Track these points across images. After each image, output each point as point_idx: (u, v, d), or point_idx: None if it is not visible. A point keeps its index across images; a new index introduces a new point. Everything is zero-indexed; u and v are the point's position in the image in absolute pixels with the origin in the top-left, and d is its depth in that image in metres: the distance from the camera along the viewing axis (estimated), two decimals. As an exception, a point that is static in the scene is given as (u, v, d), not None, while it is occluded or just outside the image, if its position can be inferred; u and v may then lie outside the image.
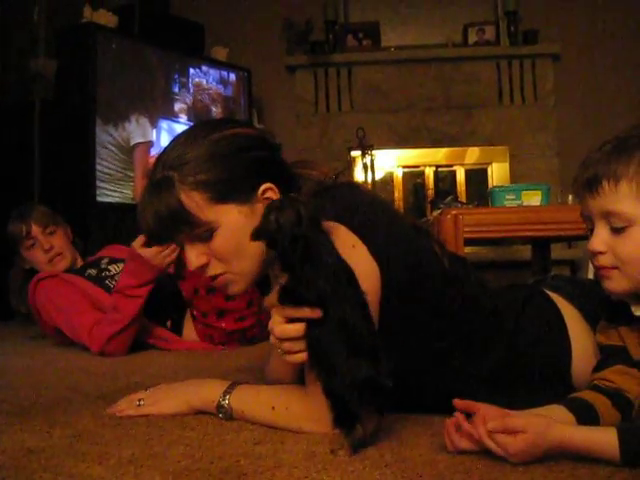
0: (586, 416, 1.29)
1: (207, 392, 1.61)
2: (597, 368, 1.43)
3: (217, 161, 1.47)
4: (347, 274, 1.35)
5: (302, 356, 1.35)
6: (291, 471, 1.21)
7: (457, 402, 1.30)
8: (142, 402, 1.67)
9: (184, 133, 1.55)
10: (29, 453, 1.35)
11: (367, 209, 1.55)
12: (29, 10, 4.72)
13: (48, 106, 4.66)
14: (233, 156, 1.49)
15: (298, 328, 1.33)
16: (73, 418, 1.65)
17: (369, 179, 5.70)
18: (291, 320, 1.34)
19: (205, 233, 1.47)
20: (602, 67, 6.07)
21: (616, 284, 1.35)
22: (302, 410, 1.44)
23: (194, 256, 1.50)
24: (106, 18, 4.84)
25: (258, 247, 1.42)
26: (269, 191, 1.51)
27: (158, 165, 1.49)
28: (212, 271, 1.52)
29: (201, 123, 1.62)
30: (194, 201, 1.45)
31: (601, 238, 1.34)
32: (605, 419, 1.29)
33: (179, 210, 1.44)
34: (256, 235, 1.35)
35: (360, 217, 1.49)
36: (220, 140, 1.50)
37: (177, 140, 1.53)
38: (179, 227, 1.46)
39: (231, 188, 1.47)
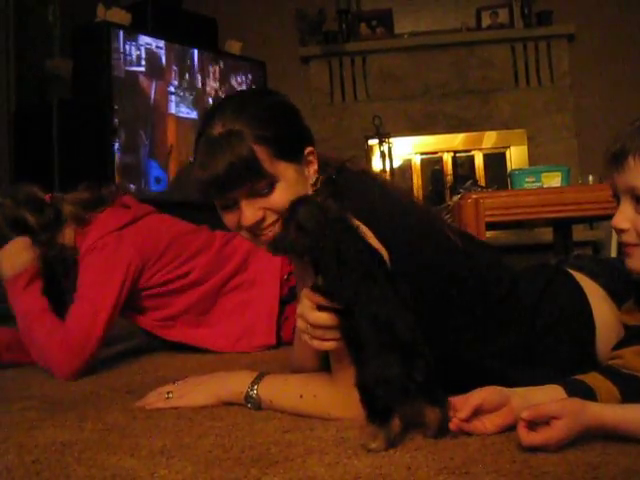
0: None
1: (235, 384, 1.62)
2: (619, 345, 1.42)
3: (277, 120, 1.54)
4: (378, 262, 1.34)
5: (331, 345, 1.36)
6: (322, 457, 1.21)
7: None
8: (171, 395, 1.69)
9: (235, 96, 1.65)
10: (62, 447, 1.37)
11: (374, 195, 1.56)
12: (43, 11, 4.73)
13: (65, 105, 4.68)
14: (287, 118, 1.59)
15: (332, 317, 1.33)
16: (103, 412, 1.67)
17: (387, 167, 5.69)
18: (321, 307, 1.34)
19: (265, 188, 1.50)
20: (618, 46, 6.01)
21: (637, 262, 1.34)
22: (330, 397, 1.44)
23: (251, 211, 1.51)
24: (119, 16, 4.86)
25: None
26: (311, 155, 1.58)
27: (214, 120, 1.52)
28: (269, 220, 1.53)
29: (249, 90, 1.72)
30: (261, 154, 1.48)
31: (625, 215, 1.33)
32: None
33: (252, 160, 1.47)
34: (274, 249, 1.37)
35: (364, 203, 1.49)
36: (275, 103, 1.61)
37: (231, 100, 1.60)
38: (249, 177, 1.48)
39: (288, 146, 1.53)
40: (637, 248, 1.33)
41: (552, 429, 1.17)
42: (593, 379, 1.33)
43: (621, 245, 1.37)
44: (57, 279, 2.48)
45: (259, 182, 1.49)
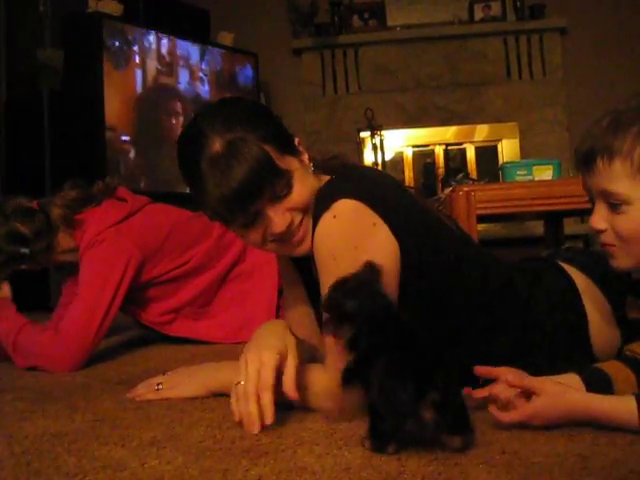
0: (599, 388, 1.28)
1: (225, 375, 1.61)
2: (628, 340, 1.43)
3: (267, 119, 1.52)
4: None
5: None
6: (312, 448, 1.22)
7: (478, 369, 1.35)
8: (161, 386, 1.69)
9: (213, 109, 1.54)
10: (52, 438, 1.37)
11: (383, 186, 1.56)
12: (35, 1, 4.71)
13: (57, 96, 4.66)
14: (269, 114, 1.56)
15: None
16: (94, 403, 1.67)
17: (379, 159, 5.69)
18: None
19: (285, 188, 1.46)
20: (610, 39, 6.02)
21: (620, 262, 1.36)
22: (322, 389, 1.43)
23: (279, 216, 1.47)
24: (111, 7, 4.83)
25: (316, 186, 1.52)
26: (300, 145, 1.57)
27: (207, 138, 1.44)
28: (297, 219, 1.50)
29: (220, 101, 1.62)
30: (271, 152, 1.44)
31: (600, 216, 1.34)
32: (622, 393, 1.28)
33: (268, 159, 1.42)
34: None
35: (378, 195, 1.49)
36: (250, 104, 1.58)
37: (212, 113, 1.51)
38: (270, 178, 1.43)
39: (285, 140, 1.52)
40: (616, 248, 1.34)
41: (529, 405, 1.23)
42: (611, 366, 1.34)
43: (601, 245, 1.38)
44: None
45: (279, 182, 1.45)
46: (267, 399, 1.32)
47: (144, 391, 1.70)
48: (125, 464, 1.18)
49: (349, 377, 1.23)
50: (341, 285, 1.27)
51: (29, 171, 4.63)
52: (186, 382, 1.67)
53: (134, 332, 2.87)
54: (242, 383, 1.36)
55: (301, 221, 1.51)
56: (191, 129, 1.51)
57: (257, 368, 1.35)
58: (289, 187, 1.47)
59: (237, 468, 1.13)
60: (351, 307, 1.24)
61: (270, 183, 1.44)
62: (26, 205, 2.42)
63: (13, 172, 4.82)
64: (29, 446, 1.32)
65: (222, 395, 1.61)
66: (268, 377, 1.34)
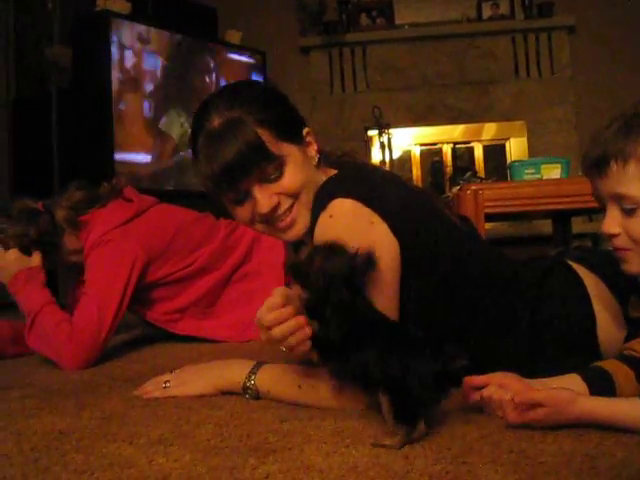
0: (601, 387, 1.28)
1: (232, 373, 1.62)
2: (627, 338, 1.43)
3: (271, 103, 1.56)
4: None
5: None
6: (320, 446, 1.21)
7: (467, 380, 1.35)
8: (168, 384, 1.69)
9: (225, 88, 1.66)
10: (60, 435, 1.37)
11: (385, 185, 1.56)
12: (43, -1, 4.73)
13: (65, 94, 4.67)
14: (280, 100, 1.60)
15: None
16: (101, 401, 1.67)
17: (386, 158, 5.68)
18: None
19: (275, 172, 1.51)
20: (618, 37, 6.00)
21: (633, 266, 1.35)
22: (329, 388, 1.44)
23: (266, 198, 1.52)
24: (119, 5, 4.84)
25: (316, 178, 1.55)
26: (309, 135, 1.60)
27: (209, 114, 1.51)
28: (285, 205, 1.54)
29: (237, 81, 1.73)
30: (265, 136, 1.49)
31: (613, 220, 1.34)
32: (623, 391, 1.28)
33: (258, 143, 1.47)
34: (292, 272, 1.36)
35: (379, 193, 1.50)
36: (264, 88, 1.65)
37: (222, 92, 1.60)
38: (257, 161, 1.48)
39: (289, 128, 1.55)
40: (630, 252, 1.34)
41: (534, 413, 1.22)
42: (610, 364, 1.34)
43: (613, 250, 1.37)
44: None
45: (268, 165, 1.49)
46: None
47: (151, 389, 1.70)
48: (133, 462, 1.19)
49: (338, 372, 1.33)
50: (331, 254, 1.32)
51: (37, 169, 4.64)
52: (193, 380, 1.68)
53: (140, 330, 2.87)
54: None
55: (290, 207, 1.54)
56: (200, 107, 1.58)
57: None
58: (280, 172, 1.51)
59: (244, 466, 1.13)
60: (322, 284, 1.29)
61: (258, 165, 1.48)
62: (31, 206, 2.42)
63: (21, 170, 4.83)
64: (37, 443, 1.32)
65: (230, 393, 1.61)
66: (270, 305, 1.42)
